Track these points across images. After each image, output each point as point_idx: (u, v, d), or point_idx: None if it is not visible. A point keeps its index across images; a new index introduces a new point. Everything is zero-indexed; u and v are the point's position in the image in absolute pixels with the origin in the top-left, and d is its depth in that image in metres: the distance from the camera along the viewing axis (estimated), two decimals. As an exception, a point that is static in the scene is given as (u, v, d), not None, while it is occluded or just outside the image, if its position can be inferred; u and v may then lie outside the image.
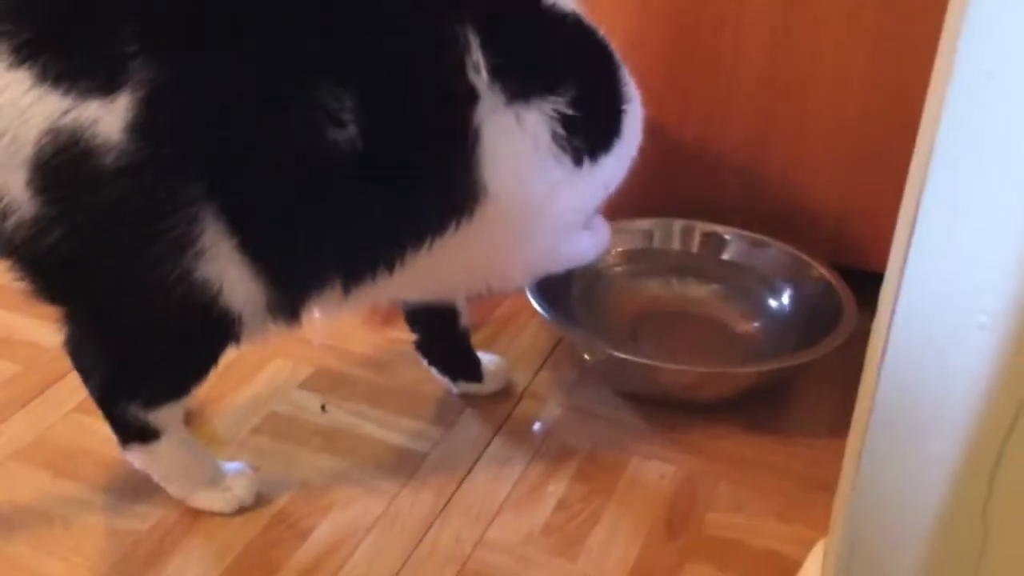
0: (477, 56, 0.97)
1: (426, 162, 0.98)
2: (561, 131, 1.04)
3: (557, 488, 1.17)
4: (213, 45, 0.89)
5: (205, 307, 0.94)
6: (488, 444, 1.24)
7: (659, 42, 1.36)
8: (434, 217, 1.01)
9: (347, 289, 1.01)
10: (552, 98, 1.03)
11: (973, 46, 0.61)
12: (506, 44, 0.99)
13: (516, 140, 1.02)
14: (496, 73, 0.98)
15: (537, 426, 1.27)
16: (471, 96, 0.97)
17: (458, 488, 1.17)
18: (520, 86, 1.00)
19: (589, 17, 1.10)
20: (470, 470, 1.19)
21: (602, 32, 1.11)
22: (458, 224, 1.02)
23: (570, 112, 1.03)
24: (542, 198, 1.07)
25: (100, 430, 1.07)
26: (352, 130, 0.91)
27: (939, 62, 0.67)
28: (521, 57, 1.01)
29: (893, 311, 0.68)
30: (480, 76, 0.98)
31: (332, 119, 0.91)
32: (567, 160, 1.06)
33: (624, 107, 1.11)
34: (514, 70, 0.99)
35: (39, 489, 1.14)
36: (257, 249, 0.93)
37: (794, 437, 1.26)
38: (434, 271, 1.06)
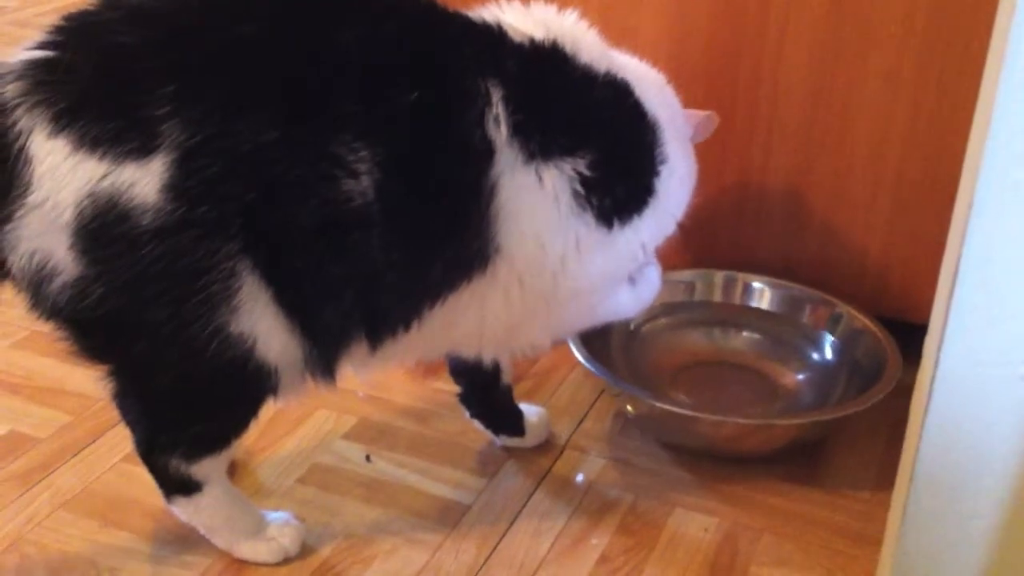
0: (498, 111, 0.97)
1: (438, 215, 0.98)
2: (584, 192, 1.02)
3: (600, 541, 1.17)
4: (241, 102, 0.90)
5: (241, 361, 0.95)
6: (530, 496, 1.24)
7: (698, 95, 1.38)
8: (444, 271, 1.00)
9: (372, 345, 1.02)
10: (574, 158, 1.01)
11: (1012, 101, 0.62)
12: (529, 101, 0.99)
13: (536, 199, 1.01)
14: (516, 130, 0.98)
15: (579, 478, 1.27)
16: (488, 151, 0.97)
17: (501, 540, 1.17)
18: (540, 144, 1.00)
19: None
20: (512, 522, 1.19)
21: (640, 92, 1.09)
22: (469, 280, 1.01)
23: (593, 173, 1.02)
24: (566, 260, 1.05)
25: (148, 480, 1.08)
26: (365, 181, 0.92)
27: (978, 118, 0.67)
28: (543, 115, 1.00)
29: (936, 365, 0.68)
30: (499, 131, 0.97)
31: (347, 170, 0.91)
32: (592, 221, 1.05)
33: (659, 168, 1.09)
34: (535, 128, 0.99)
35: (87, 538, 1.16)
36: (289, 302, 0.95)
37: (839, 490, 1.25)
38: (453, 329, 1.05)
